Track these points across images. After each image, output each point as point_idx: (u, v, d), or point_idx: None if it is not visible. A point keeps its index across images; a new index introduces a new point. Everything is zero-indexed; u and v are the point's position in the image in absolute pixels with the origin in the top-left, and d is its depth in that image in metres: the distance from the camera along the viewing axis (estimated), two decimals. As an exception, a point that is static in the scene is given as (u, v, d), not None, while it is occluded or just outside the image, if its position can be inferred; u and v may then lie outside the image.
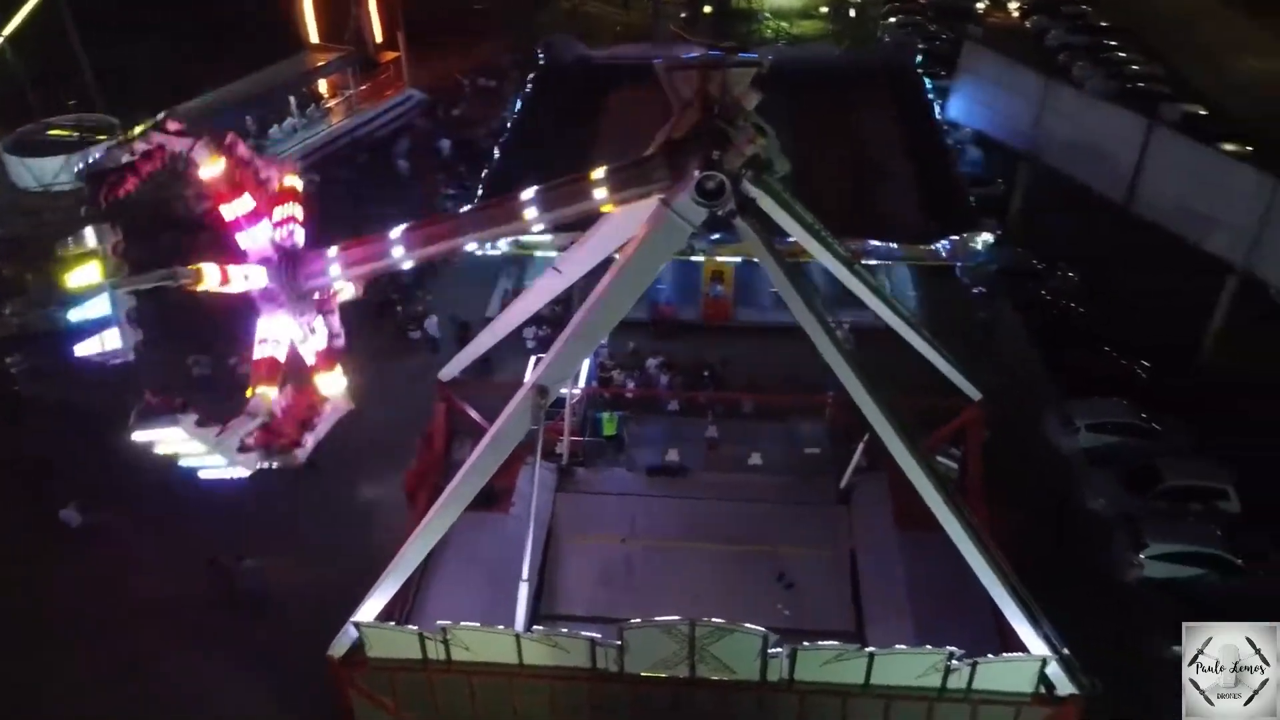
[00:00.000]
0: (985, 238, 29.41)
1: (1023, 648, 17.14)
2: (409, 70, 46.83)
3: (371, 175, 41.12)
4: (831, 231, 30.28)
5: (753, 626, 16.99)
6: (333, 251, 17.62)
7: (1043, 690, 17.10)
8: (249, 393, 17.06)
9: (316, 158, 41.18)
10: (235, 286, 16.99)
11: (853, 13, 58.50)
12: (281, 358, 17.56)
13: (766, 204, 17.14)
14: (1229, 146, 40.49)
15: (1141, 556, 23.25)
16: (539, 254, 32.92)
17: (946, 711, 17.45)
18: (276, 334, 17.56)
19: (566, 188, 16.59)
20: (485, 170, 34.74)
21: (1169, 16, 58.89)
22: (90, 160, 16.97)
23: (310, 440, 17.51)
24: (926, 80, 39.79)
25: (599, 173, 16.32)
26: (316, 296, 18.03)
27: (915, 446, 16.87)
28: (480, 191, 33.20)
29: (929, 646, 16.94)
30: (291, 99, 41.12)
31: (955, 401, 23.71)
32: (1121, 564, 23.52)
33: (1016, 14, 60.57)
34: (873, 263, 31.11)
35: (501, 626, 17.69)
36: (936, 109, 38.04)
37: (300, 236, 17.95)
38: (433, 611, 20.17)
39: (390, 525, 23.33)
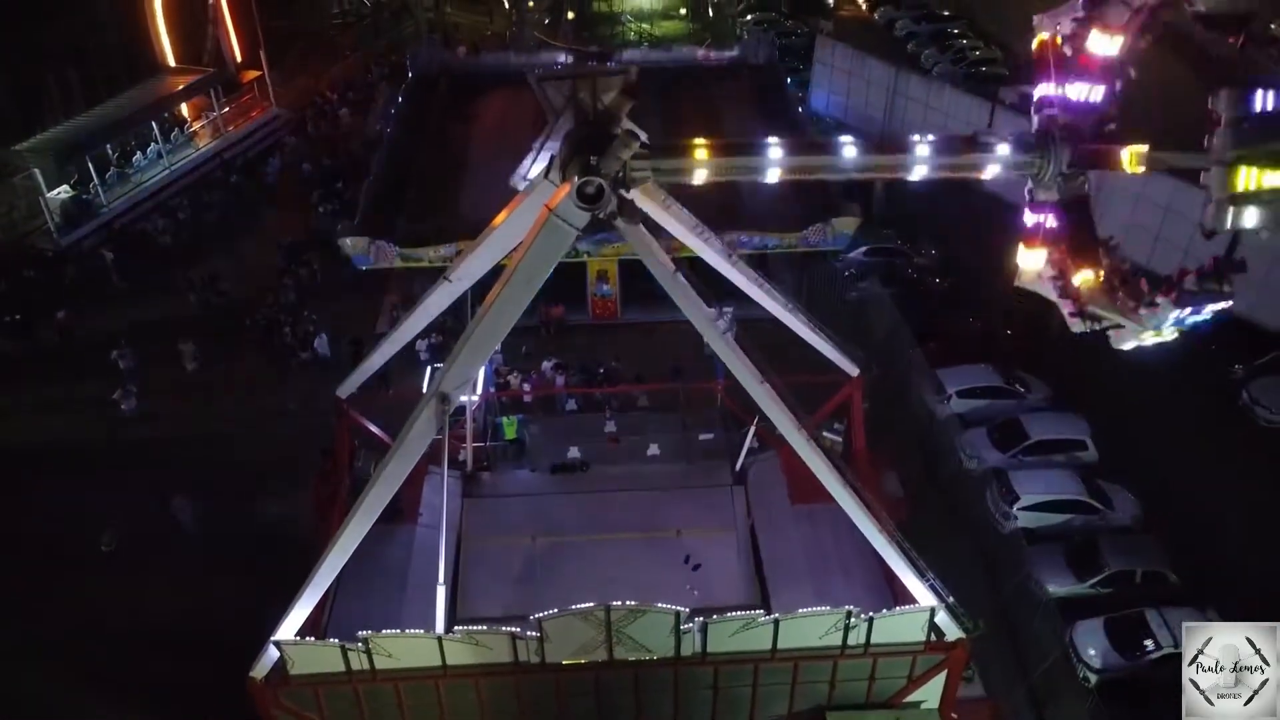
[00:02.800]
0: (848, 222, 31.05)
1: (912, 601, 18.54)
2: (273, 89, 46.07)
3: (243, 197, 40.48)
4: (707, 226, 31.75)
5: (665, 605, 17.85)
6: None
7: (933, 638, 18.52)
8: None
9: (185, 182, 40.33)
10: None
11: (711, 12, 59.96)
12: None
13: (645, 204, 18.09)
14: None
15: (1014, 509, 25.11)
16: (426, 265, 33.34)
17: (849, 667, 18.68)
18: None
19: None
20: (366, 183, 34.67)
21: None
22: None
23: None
24: (786, 75, 41.56)
25: None
26: None
27: (801, 426, 18.00)
28: (362, 204, 33.22)
29: (825, 608, 18.14)
30: (154, 124, 39.96)
31: (835, 378, 25.17)
32: (996, 516, 25.34)
33: (865, 6, 63.24)
34: (747, 253, 32.62)
35: (420, 630, 18.08)
36: (797, 102, 39.84)
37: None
38: (348, 627, 20.39)
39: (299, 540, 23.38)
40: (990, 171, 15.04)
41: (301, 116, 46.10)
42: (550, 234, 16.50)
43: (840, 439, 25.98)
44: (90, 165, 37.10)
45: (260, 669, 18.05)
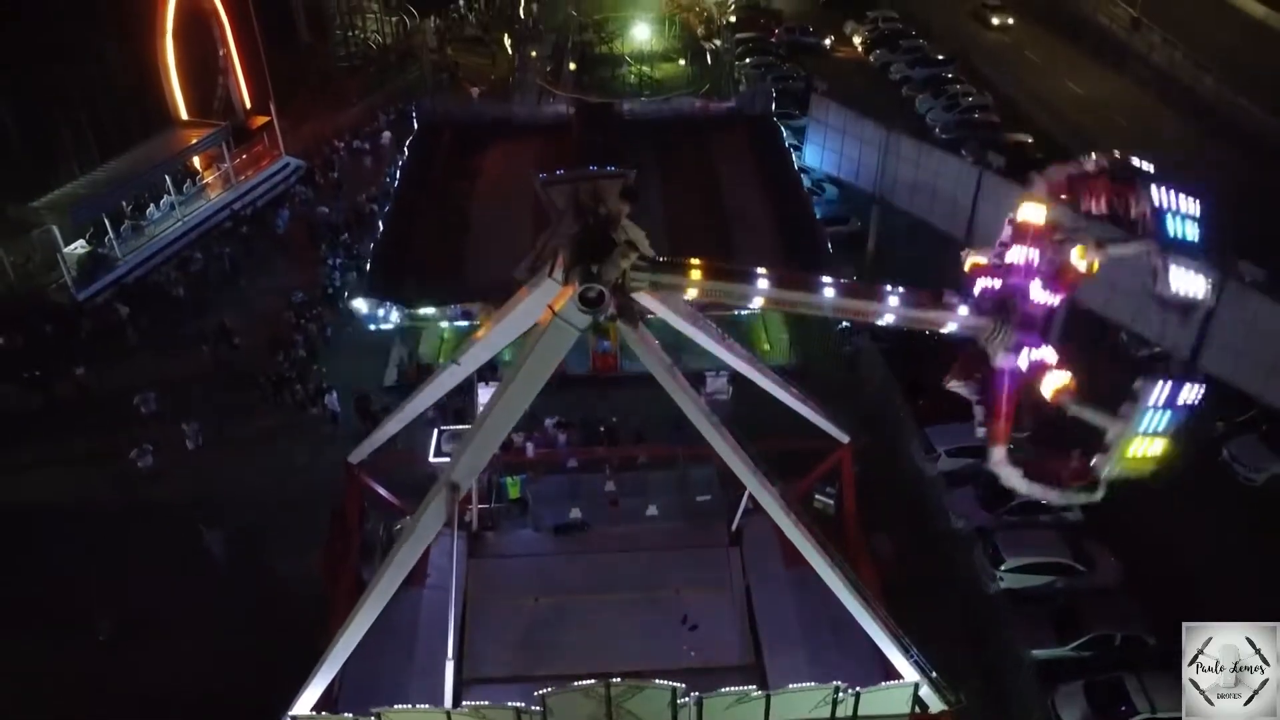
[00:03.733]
0: (843, 283, 32.02)
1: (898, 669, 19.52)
2: (283, 137, 47.23)
3: (255, 247, 41.58)
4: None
5: (662, 682, 18.82)
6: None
7: (918, 710, 19.48)
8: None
9: (198, 233, 41.44)
10: None
11: (709, 56, 61.18)
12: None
13: (646, 299, 19.19)
14: (1054, 171, 44.99)
15: (1000, 571, 26.06)
16: (432, 325, 34.44)
17: (838, 739, 19.65)
18: None
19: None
20: (373, 242, 35.75)
21: (996, 46, 64.18)
22: None
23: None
24: (782, 128, 42.68)
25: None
26: None
27: (783, 501, 19.01)
28: (370, 265, 34.30)
29: (814, 683, 19.09)
30: (166, 176, 41.08)
31: (827, 443, 26.18)
32: (983, 577, 26.28)
33: (860, 49, 64.52)
34: (744, 312, 33.68)
35: (428, 705, 18.98)
36: (793, 155, 40.96)
37: None
38: (359, 693, 21.36)
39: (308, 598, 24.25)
40: (948, 328, 16.79)
41: (310, 167, 47.12)
42: (554, 335, 17.60)
43: (832, 502, 27.05)
44: (106, 219, 38.13)
45: (277, 741, 19.00)
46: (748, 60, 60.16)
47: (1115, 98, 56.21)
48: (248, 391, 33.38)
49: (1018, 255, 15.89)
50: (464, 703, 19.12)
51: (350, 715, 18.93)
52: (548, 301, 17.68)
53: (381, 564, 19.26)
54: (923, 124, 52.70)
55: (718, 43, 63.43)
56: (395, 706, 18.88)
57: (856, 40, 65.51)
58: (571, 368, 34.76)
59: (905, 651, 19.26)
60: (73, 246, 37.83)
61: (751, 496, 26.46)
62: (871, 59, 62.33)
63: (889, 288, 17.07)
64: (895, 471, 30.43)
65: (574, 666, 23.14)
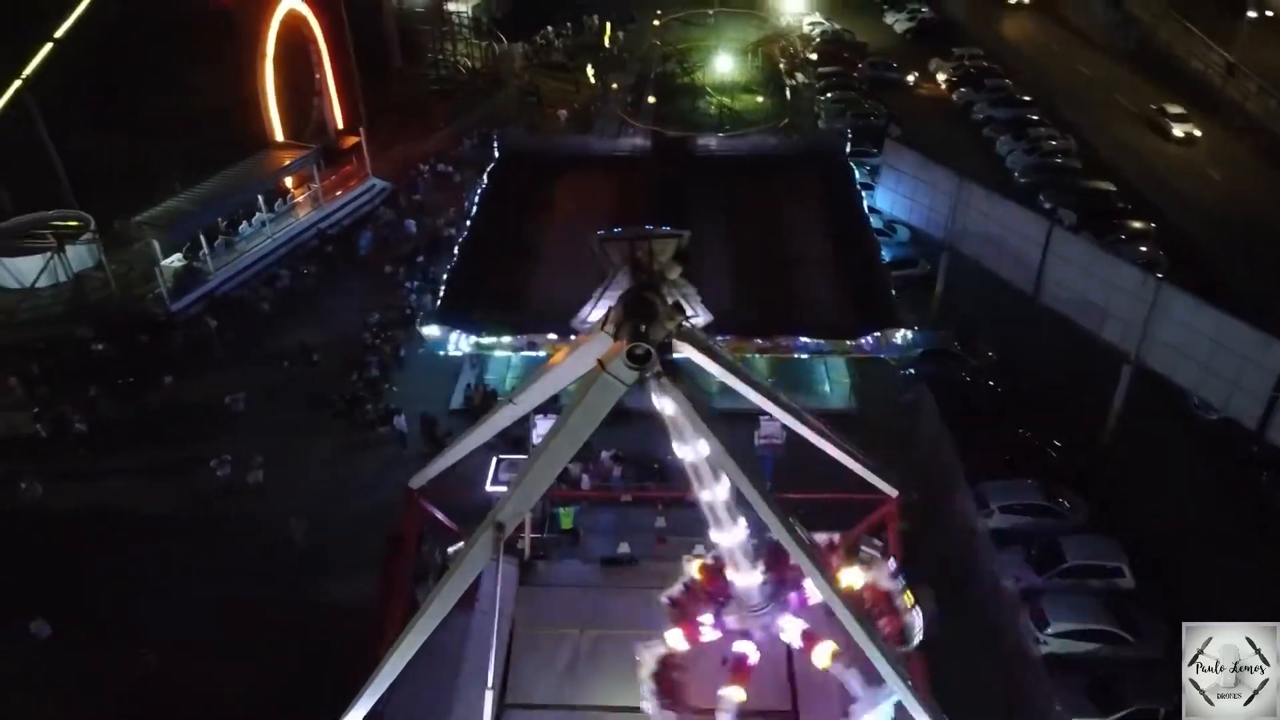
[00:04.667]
0: (905, 334, 32.25)
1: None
2: (371, 159, 49.17)
3: (338, 267, 43.45)
4: (761, 326, 33.33)
5: (685, 722, 19.34)
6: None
7: (939, 778, 19.57)
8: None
9: (284, 251, 43.48)
10: None
11: (790, 93, 61.54)
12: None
13: (687, 350, 19.86)
14: (1136, 224, 44.37)
15: (1044, 635, 25.93)
16: (498, 353, 35.56)
17: (862, 798, 19.85)
18: None
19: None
20: (447, 269, 37.07)
21: (1083, 86, 63.20)
22: None
23: None
24: (854, 170, 42.94)
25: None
26: None
27: (818, 566, 19.31)
28: (442, 292, 35.63)
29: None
30: (259, 196, 43.23)
31: (876, 495, 26.43)
32: (1027, 640, 26.15)
33: (944, 86, 64.21)
34: (804, 356, 34.10)
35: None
36: (864, 196, 41.20)
37: None
38: (403, 715, 22.30)
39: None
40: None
41: (395, 189, 48.95)
42: (602, 389, 18.27)
43: (878, 555, 27.18)
44: (201, 235, 40.33)
45: (325, 755, 20.01)
46: (829, 95, 60.44)
47: (1205, 145, 54.96)
48: (322, 409, 34.93)
49: None
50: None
51: (390, 738, 19.87)
52: (598, 355, 18.46)
53: (431, 590, 20.13)
54: (1002, 166, 52.40)
55: (800, 77, 63.81)
56: (433, 734, 19.76)
57: (941, 77, 65.20)
58: (632, 402, 35.58)
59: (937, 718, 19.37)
60: (169, 260, 40.06)
61: (796, 543, 27.15)
62: (955, 97, 61.99)
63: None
64: (945, 525, 30.41)
65: (613, 699, 23.88)
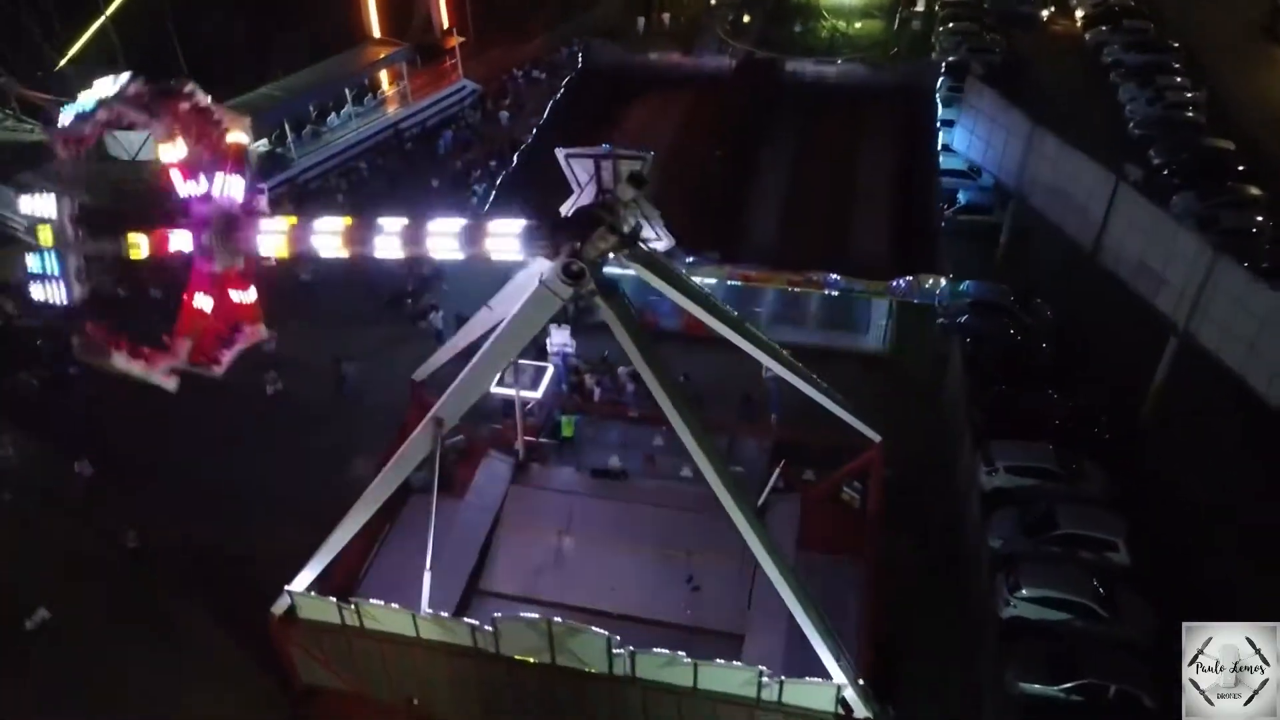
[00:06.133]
0: (938, 281, 31.33)
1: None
2: (467, 61, 50.10)
3: (415, 164, 44.93)
4: (799, 261, 32.95)
5: (598, 630, 20.31)
6: (266, 223, 19.09)
7: (841, 712, 20.00)
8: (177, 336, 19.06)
9: (368, 145, 45.27)
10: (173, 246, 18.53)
11: (907, 22, 58.84)
12: (209, 309, 19.44)
13: (650, 275, 20.21)
14: (1252, 190, 41.06)
15: (1014, 597, 25.50)
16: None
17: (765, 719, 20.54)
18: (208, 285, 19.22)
19: (477, 228, 19.14)
20: (501, 176, 37.92)
21: (1240, 34, 57.89)
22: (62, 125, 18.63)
23: (227, 356, 19.67)
24: (939, 107, 41.20)
25: (499, 227, 19.02)
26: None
27: (736, 501, 19.64)
28: (491, 198, 36.55)
29: (740, 663, 20.01)
30: (347, 90, 44.98)
31: (862, 440, 26.35)
32: (998, 600, 25.82)
33: (1080, 24, 60.04)
34: (834, 293, 33.58)
35: (396, 605, 21.31)
36: (941, 136, 39.62)
37: (239, 193, 18.87)
38: (377, 585, 24.08)
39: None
40: None
41: (484, 92, 49.88)
42: (537, 300, 19.09)
43: (859, 496, 27.26)
44: (286, 123, 42.42)
45: (278, 608, 22.09)
46: (951, 25, 57.49)
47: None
48: (377, 300, 36.84)
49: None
50: (426, 610, 21.19)
51: (334, 599, 21.66)
52: (545, 266, 19.07)
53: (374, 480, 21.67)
54: (1119, 115, 49.10)
55: (922, 4, 60.83)
56: (370, 601, 21.42)
57: (1079, 14, 60.93)
58: (664, 323, 36.04)
59: (836, 654, 19.75)
60: (256, 144, 42.32)
61: (781, 475, 27.45)
62: (1088, 37, 57.94)
63: None
64: (950, 480, 29.95)
65: (577, 600, 25.15)
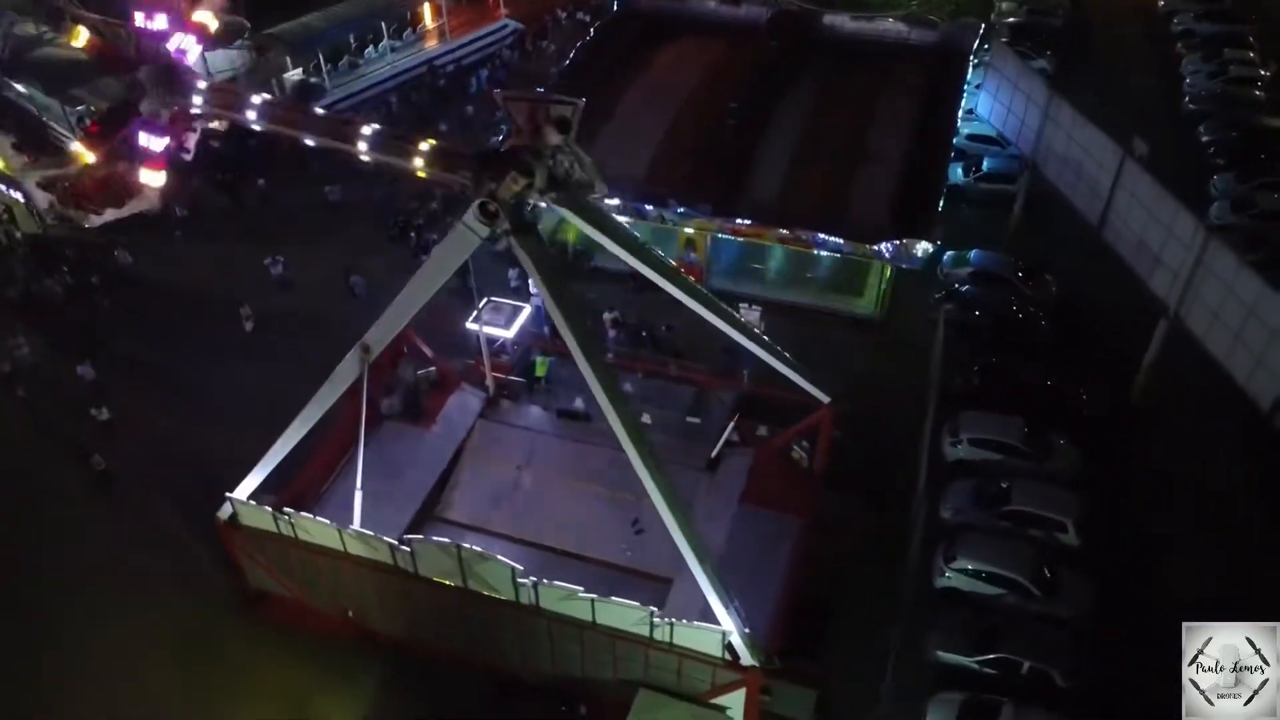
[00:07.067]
0: (925, 246, 30.91)
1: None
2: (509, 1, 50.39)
3: (447, 100, 45.65)
4: (795, 219, 32.85)
5: (504, 560, 21.21)
6: (204, 84, 21.73)
7: (729, 657, 20.57)
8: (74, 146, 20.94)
9: (402, 80, 46.13)
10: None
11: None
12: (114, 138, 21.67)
13: (578, 220, 20.64)
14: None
15: (948, 567, 25.54)
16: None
17: (659, 658, 21.25)
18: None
19: (399, 142, 20.07)
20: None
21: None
22: None
23: (110, 214, 21.65)
24: (969, 71, 40.08)
25: (426, 145, 19.75)
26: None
27: (633, 439, 20.04)
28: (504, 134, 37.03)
29: (635, 603, 20.68)
30: (383, 24, 45.77)
31: (813, 399, 26.46)
32: (933, 569, 25.91)
33: (1156, -11, 56.98)
34: (820, 252, 33.38)
35: (328, 520, 22.56)
36: (961, 103, 38.62)
37: (192, 59, 21.80)
38: (332, 504, 25.37)
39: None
40: None
41: (524, 32, 50.12)
42: (456, 238, 19.74)
43: (806, 456, 27.48)
44: (320, 55, 43.50)
45: (224, 512, 23.57)
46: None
47: None
48: (384, 230, 37.99)
49: None
50: (353, 528, 22.36)
51: (269, 508, 22.99)
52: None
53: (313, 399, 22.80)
54: (1178, 89, 46.86)
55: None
56: (301, 514, 22.70)
57: (1156, -24, 57.76)
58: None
59: (725, 602, 20.26)
60: (292, 72, 43.61)
61: (735, 429, 27.83)
62: (1161, 3, 55.09)
63: None
64: (914, 447, 29.81)
65: (524, 533, 26.18)
